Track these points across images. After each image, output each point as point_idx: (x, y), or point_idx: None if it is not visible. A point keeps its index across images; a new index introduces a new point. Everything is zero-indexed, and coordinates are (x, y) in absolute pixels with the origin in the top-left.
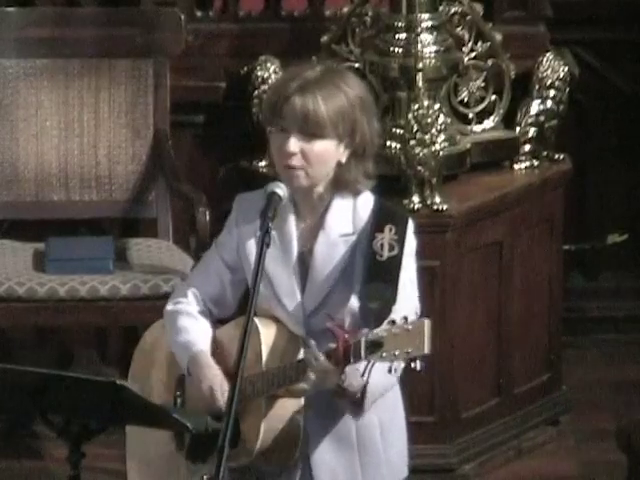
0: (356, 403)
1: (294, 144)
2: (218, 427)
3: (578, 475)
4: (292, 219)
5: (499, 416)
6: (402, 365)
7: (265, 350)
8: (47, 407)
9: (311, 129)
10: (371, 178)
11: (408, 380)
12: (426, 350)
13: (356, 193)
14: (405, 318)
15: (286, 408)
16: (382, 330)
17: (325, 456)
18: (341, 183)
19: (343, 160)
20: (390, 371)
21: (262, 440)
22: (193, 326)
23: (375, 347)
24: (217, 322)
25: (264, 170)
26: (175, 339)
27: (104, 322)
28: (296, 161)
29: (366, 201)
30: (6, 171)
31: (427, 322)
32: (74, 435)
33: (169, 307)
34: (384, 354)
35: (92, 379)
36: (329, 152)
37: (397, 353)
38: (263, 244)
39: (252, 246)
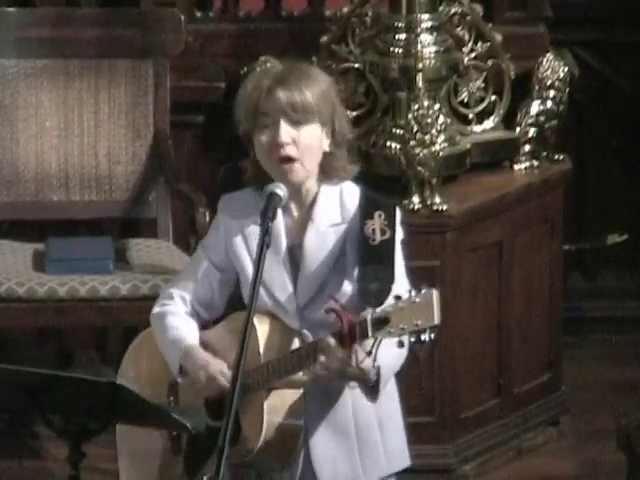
0: (373, 387)
1: (286, 133)
2: (217, 426)
3: (578, 475)
4: (279, 214)
5: (499, 416)
6: (432, 334)
7: (262, 346)
8: (47, 407)
9: (299, 116)
10: (355, 164)
11: (408, 380)
12: (436, 320)
13: (343, 180)
14: (410, 292)
15: (286, 401)
16: (387, 306)
17: (325, 447)
18: (330, 172)
19: (327, 149)
20: (401, 345)
21: (264, 435)
22: (182, 324)
23: (382, 323)
24: (203, 326)
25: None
26: (164, 337)
27: (104, 322)
28: (290, 150)
29: (352, 191)
30: (6, 171)
31: (435, 293)
32: (74, 435)
33: (156, 309)
34: (391, 329)
35: (92, 379)
36: (317, 138)
37: (405, 327)
38: (263, 245)
39: (240, 244)
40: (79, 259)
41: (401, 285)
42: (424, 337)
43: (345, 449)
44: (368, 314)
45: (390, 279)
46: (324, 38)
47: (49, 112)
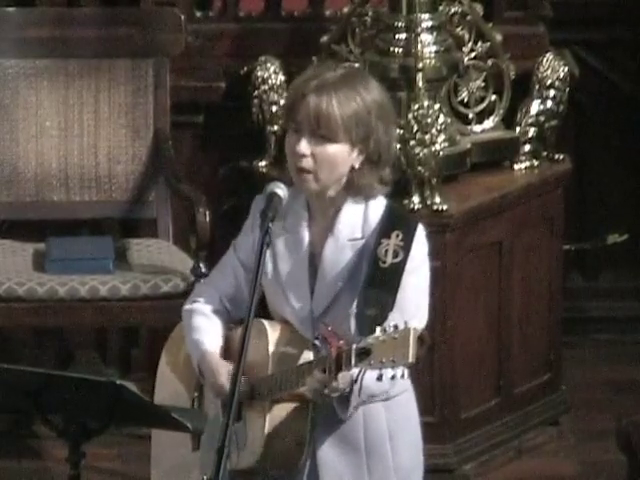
0: (341, 399)
1: (305, 146)
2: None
3: (578, 475)
4: (305, 221)
5: (499, 416)
6: (405, 371)
7: (272, 353)
8: (47, 407)
9: (323, 131)
10: (386, 184)
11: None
12: (410, 359)
13: (369, 198)
14: (395, 326)
15: (290, 412)
16: (372, 338)
17: (332, 459)
18: (354, 188)
19: (357, 165)
20: (379, 379)
21: (266, 443)
22: (206, 326)
23: (364, 355)
24: (236, 322)
25: (264, 170)
26: (189, 336)
27: (104, 322)
28: (305, 163)
29: (377, 206)
30: (6, 171)
31: (413, 331)
32: (74, 435)
33: (187, 306)
34: (372, 362)
35: (92, 379)
36: (340, 157)
37: (384, 361)
38: (263, 244)
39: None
40: (79, 259)
41: (407, 309)
42: (397, 373)
43: (353, 465)
44: (354, 343)
45: (388, 306)
46: (324, 38)
47: (49, 112)
